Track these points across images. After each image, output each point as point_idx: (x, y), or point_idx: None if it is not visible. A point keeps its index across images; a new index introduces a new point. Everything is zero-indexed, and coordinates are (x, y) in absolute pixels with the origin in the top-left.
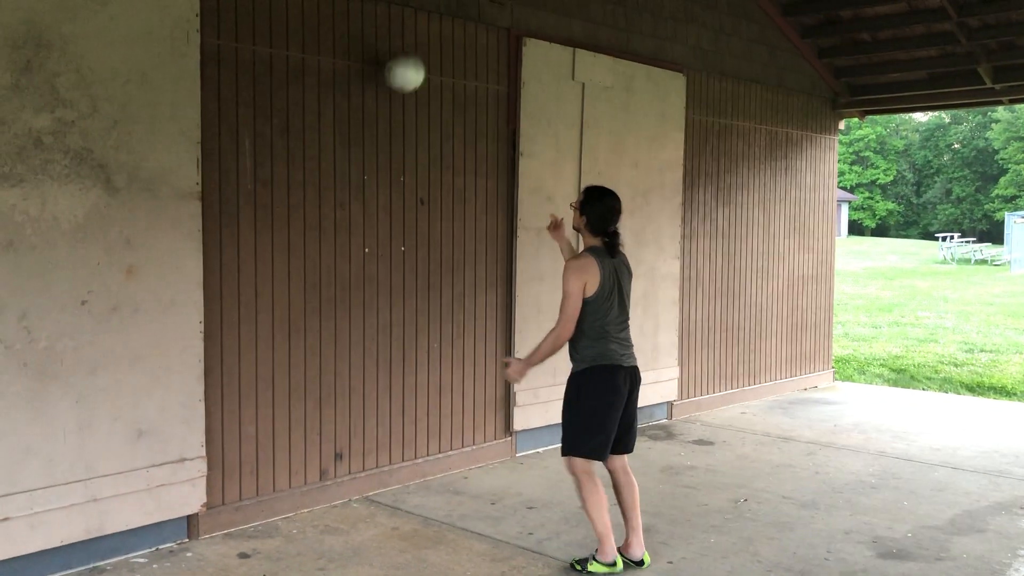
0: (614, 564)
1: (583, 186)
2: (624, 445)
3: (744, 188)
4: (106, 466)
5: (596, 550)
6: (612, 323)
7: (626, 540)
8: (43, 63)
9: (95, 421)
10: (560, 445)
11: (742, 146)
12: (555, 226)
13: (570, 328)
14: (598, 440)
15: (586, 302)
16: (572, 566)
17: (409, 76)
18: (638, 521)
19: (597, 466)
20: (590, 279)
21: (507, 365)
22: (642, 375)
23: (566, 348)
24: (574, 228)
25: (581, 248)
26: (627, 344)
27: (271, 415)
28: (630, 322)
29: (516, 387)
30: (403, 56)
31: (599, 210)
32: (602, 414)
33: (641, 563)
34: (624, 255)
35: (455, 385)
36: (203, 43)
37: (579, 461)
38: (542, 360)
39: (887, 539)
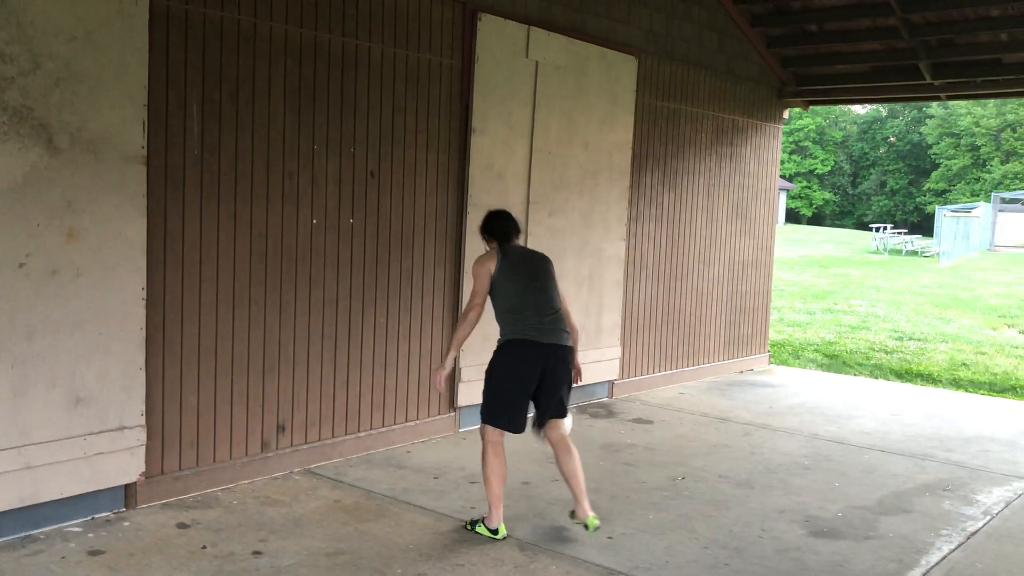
0: (496, 531)
1: (532, 165)
2: (553, 411)
3: (690, 173)
4: (41, 433)
5: (485, 515)
6: (525, 302)
7: (575, 505)
8: None
9: (31, 387)
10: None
11: (690, 131)
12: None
13: (478, 300)
14: (507, 412)
15: (493, 283)
16: (465, 526)
17: None
18: (580, 488)
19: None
20: (492, 264)
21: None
22: (584, 354)
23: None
24: (488, 245)
25: None
26: (549, 323)
27: (213, 385)
28: (572, 301)
29: (461, 363)
30: None
31: (497, 224)
32: (510, 388)
33: (587, 526)
34: (534, 251)
35: (400, 360)
36: (152, 3)
37: (489, 430)
38: (459, 345)
39: (819, 518)
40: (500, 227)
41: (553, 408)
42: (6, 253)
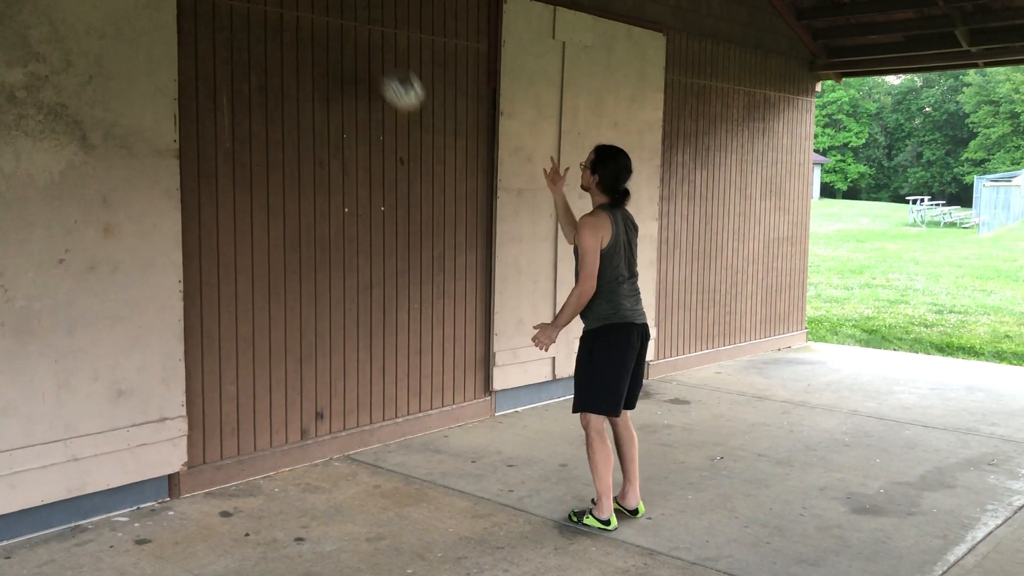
0: (608, 523)
1: (561, 147)
2: (629, 401)
3: (722, 150)
4: (86, 426)
5: (593, 506)
6: (623, 279)
7: (623, 490)
8: (14, 15)
9: (74, 381)
10: (573, 401)
11: (720, 107)
12: (554, 178)
13: (593, 284)
14: (612, 397)
15: (601, 258)
16: (570, 517)
17: (399, 93)
18: (636, 474)
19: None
20: (605, 234)
21: (536, 331)
22: None
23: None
24: (583, 187)
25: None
26: (637, 300)
27: (252, 375)
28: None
29: (495, 347)
30: (393, 75)
31: (612, 169)
32: (615, 372)
33: (636, 512)
34: (629, 212)
35: (435, 345)
36: None
37: (593, 418)
38: (568, 320)
39: (860, 495)
40: (620, 174)
41: (632, 394)
42: (46, 250)
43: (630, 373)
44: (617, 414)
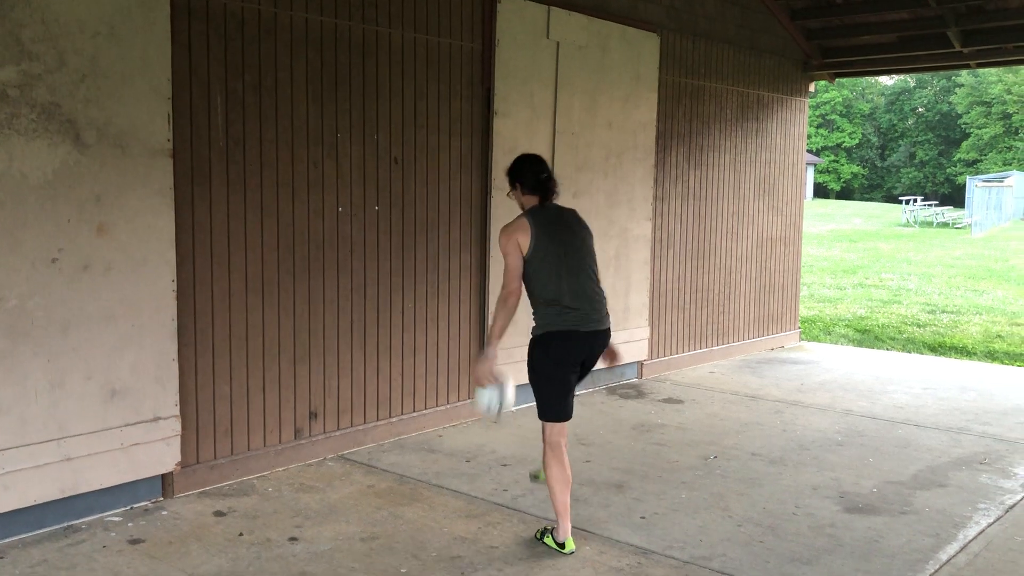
0: (563, 545)
1: (556, 147)
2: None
3: (715, 150)
4: (79, 425)
5: (554, 529)
6: (561, 283)
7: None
8: (7, 12)
9: (67, 380)
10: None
11: (714, 108)
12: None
13: (513, 287)
14: (555, 406)
15: (527, 262)
16: (536, 535)
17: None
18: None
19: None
20: (521, 237)
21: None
22: (613, 335)
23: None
24: (520, 207)
25: None
26: (587, 307)
27: (245, 374)
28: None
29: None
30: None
31: (520, 169)
32: (557, 380)
33: (538, 477)
34: (574, 211)
35: (429, 345)
36: None
37: (550, 428)
38: (500, 334)
39: (853, 494)
40: (533, 175)
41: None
42: (39, 249)
43: (573, 379)
44: (565, 419)
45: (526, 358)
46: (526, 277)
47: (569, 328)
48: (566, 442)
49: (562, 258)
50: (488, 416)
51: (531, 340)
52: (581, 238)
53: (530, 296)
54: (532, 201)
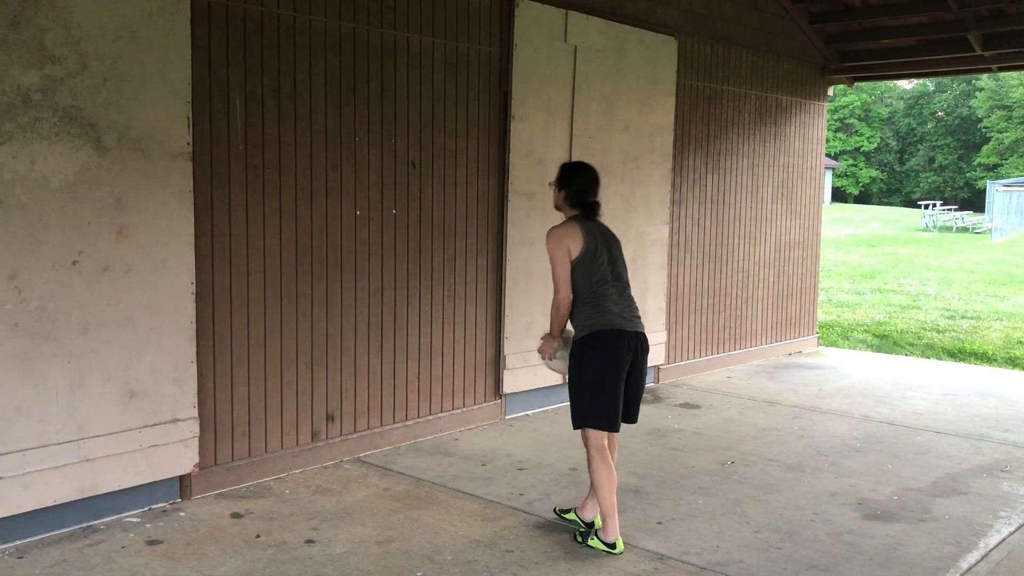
0: (614, 546)
1: (573, 150)
2: (626, 415)
3: (733, 154)
4: (98, 426)
5: (600, 527)
6: (607, 287)
7: (583, 501)
8: (31, 18)
9: (87, 382)
10: (571, 416)
11: (732, 111)
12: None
13: (565, 292)
14: (606, 410)
15: (575, 267)
16: (574, 537)
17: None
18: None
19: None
20: (572, 242)
21: (541, 342)
22: None
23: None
24: (555, 207)
25: None
26: (630, 309)
27: (263, 377)
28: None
29: (506, 350)
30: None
31: (577, 185)
32: (606, 382)
33: (592, 525)
34: (606, 226)
35: (445, 348)
36: (193, 0)
37: (592, 433)
38: (558, 329)
39: (871, 501)
40: (581, 195)
41: (628, 409)
42: (60, 251)
43: (623, 383)
44: (615, 429)
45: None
46: (573, 278)
47: (616, 327)
48: (615, 453)
49: (607, 264)
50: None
51: (575, 342)
52: (620, 250)
53: (575, 298)
54: (571, 212)
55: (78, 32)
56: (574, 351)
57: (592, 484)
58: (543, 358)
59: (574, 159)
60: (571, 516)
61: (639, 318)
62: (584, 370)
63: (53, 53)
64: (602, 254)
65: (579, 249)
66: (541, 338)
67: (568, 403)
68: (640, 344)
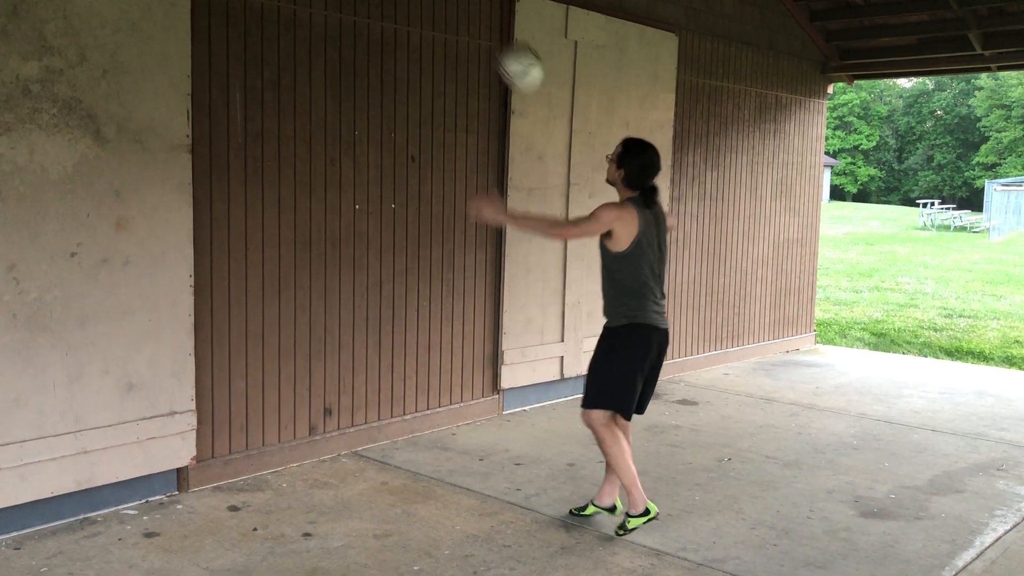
0: (647, 511)
1: (572, 146)
2: (646, 400)
3: (733, 151)
4: (96, 419)
5: (628, 507)
6: (652, 279)
7: (600, 489)
8: (31, 8)
9: (85, 374)
10: (583, 396)
11: (732, 108)
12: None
13: (572, 232)
14: (624, 397)
15: (626, 254)
16: (616, 533)
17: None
18: (616, 477)
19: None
20: (625, 228)
21: (485, 201)
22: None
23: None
24: (608, 181)
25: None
26: (662, 304)
27: (261, 370)
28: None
29: (504, 346)
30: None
31: (639, 165)
32: (632, 372)
33: (613, 509)
34: (661, 209)
35: (444, 343)
36: None
37: (597, 414)
38: (520, 227)
39: (868, 498)
40: (648, 171)
41: (648, 397)
42: (58, 243)
43: (638, 379)
44: (629, 415)
45: (595, 347)
46: (622, 263)
47: (652, 323)
48: (629, 439)
49: (655, 260)
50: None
51: (610, 328)
52: (666, 243)
53: (618, 284)
54: (627, 194)
55: (78, 23)
56: (606, 336)
57: (608, 463)
58: (481, 212)
59: (574, 155)
60: (591, 510)
61: (665, 315)
62: (614, 357)
63: (53, 44)
64: (652, 249)
65: (633, 235)
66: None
67: (569, 396)
68: (664, 340)
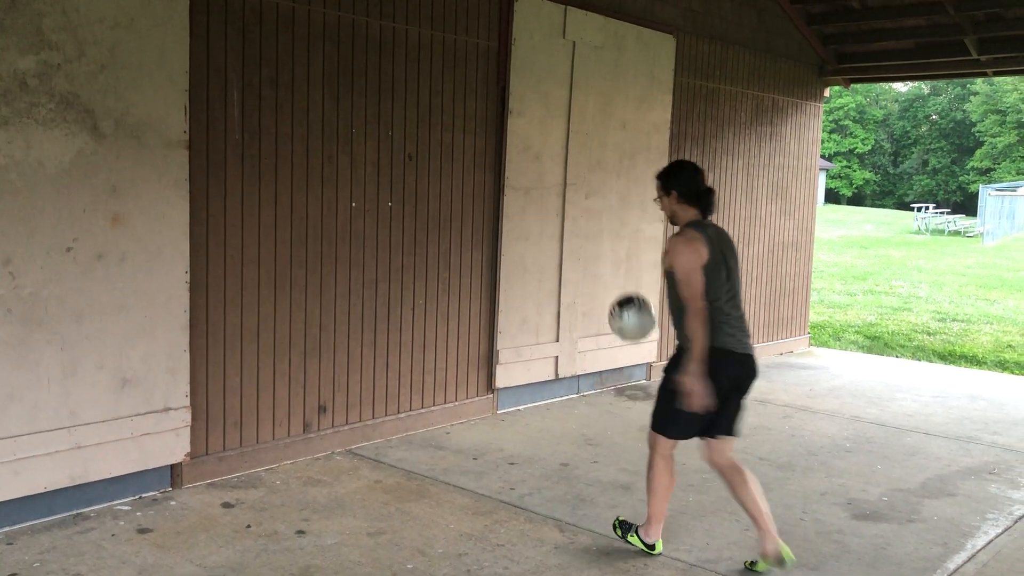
0: (653, 547)
1: (569, 146)
2: (726, 427)
3: (729, 153)
4: (90, 414)
5: (643, 526)
6: (724, 303)
7: (761, 543)
8: (28, 2)
9: (80, 369)
10: (651, 416)
11: (728, 111)
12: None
13: (699, 307)
14: (687, 426)
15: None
16: (614, 526)
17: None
18: (765, 520)
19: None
20: (701, 251)
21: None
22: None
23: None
24: (670, 220)
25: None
26: (742, 328)
27: (256, 367)
28: (609, 283)
29: (499, 345)
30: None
31: (684, 176)
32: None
33: (782, 561)
34: (724, 231)
35: (439, 341)
36: None
37: (663, 441)
38: (701, 354)
39: (861, 501)
40: (694, 184)
41: (727, 422)
42: (54, 237)
43: (714, 403)
44: (686, 438)
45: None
46: (682, 284)
47: (729, 348)
48: (746, 479)
49: (725, 280)
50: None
51: (682, 351)
52: (737, 261)
53: (689, 310)
54: (688, 213)
55: (76, 17)
56: (675, 362)
57: (648, 486)
58: (691, 398)
59: (570, 155)
60: (761, 567)
61: (749, 336)
62: (680, 387)
63: (50, 38)
64: (721, 269)
65: (707, 259)
66: (683, 373)
67: (563, 396)
68: (748, 367)
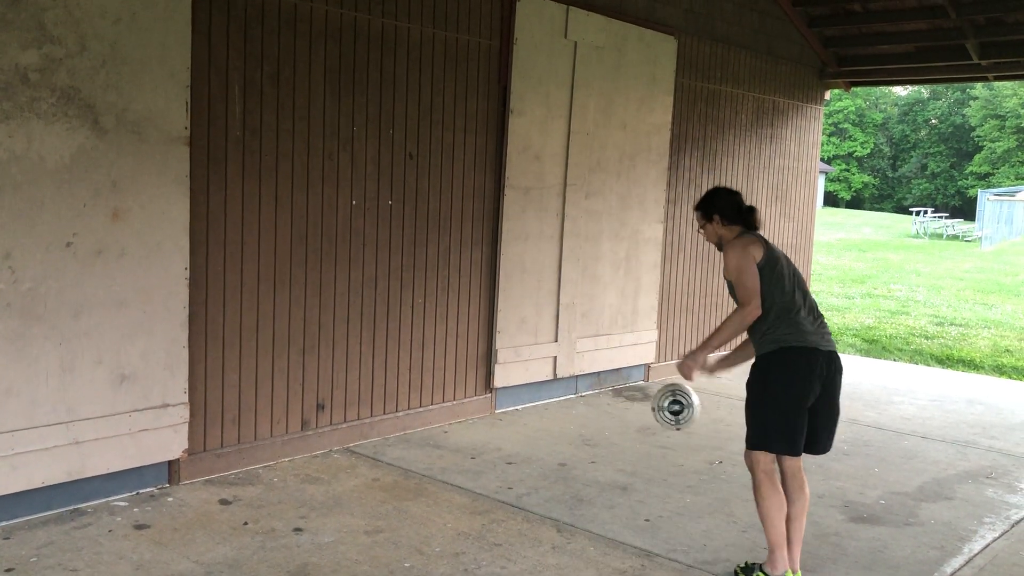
0: None
1: (570, 147)
2: (817, 444)
3: (729, 155)
4: (88, 409)
5: (765, 560)
6: (797, 299)
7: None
8: None
9: (78, 364)
10: (746, 436)
11: (729, 112)
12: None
13: (757, 303)
14: (790, 432)
15: (761, 276)
16: (735, 572)
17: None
18: (798, 534)
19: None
20: (755, 251)
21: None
22: (620, 337)
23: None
24: (716, 244)
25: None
26: (822, 325)
27: (254, 364)
28: (608, 284)
29: (497, 344)
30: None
31: (723, 199)
32: (794, 402)
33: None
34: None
35: (437, 340)
36: None
37: (762, 457)
38: (720, 344)
39: (858, 504)
40: (734, 205)
41: (820, 436)
42: (54, 232)
43: (808, 404)
44: (795, 452)
45: (748, 379)
46: (761, 289)
47: (810, 345)
48: (804, 481)
49: (791, 277)
50: (675, 422)
51: (761, 357)
52: (793, 264)
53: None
54: (735, 232)
55: (78, 12)
56: (758, 366)
57: (760, 514)
58: (687, 378)
59: (571, 155)
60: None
61: (830, 335)
62: (771, 387)
63: (52, 33)
64: (781, 267)
65: (761, 257)
66: (685, 357)
67: (561, 396)
68: (834, 364)
